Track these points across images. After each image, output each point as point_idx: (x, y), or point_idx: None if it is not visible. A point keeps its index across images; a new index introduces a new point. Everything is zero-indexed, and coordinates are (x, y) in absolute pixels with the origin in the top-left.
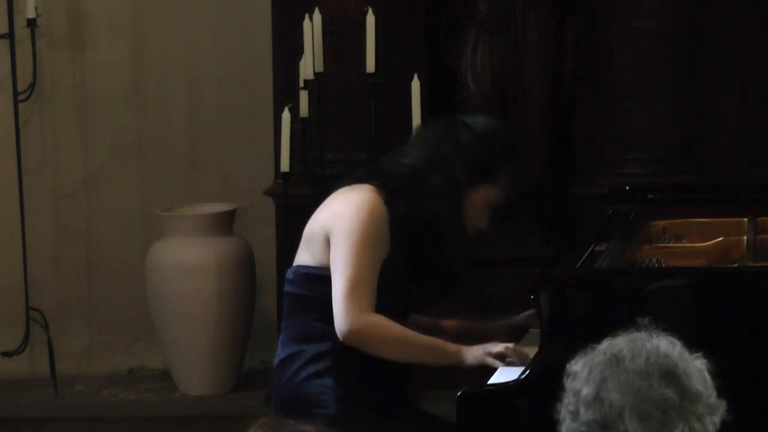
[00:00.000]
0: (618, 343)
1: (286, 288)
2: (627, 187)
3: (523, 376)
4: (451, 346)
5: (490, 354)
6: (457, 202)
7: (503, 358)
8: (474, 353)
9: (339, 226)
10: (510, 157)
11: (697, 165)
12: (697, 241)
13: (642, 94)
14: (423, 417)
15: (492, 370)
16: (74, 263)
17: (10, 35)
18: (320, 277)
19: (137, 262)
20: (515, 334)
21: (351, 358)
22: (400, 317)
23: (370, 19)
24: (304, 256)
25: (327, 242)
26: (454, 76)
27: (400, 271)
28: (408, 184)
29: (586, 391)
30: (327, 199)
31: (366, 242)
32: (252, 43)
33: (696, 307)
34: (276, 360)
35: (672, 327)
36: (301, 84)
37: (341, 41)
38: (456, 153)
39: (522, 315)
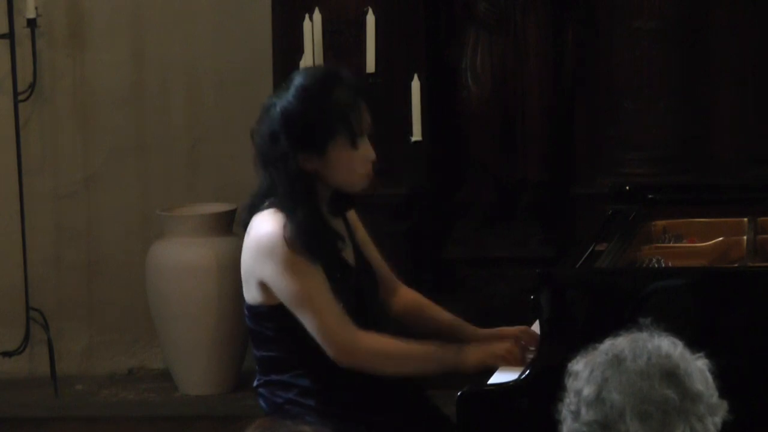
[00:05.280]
0: (619, 343)
1: (246, 322)
2: (627, 187)
3: (523, 376)
4: (451, 351)
5: (494, 356)
6: (311, 194)
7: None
8: (475, 357)
9: (269, 268)
10: (330, 105)
11: (697, 165)
12: (697, 241)
13: (642, 94)
14: (418, 418)
15: (492, 370)
16: (74, 263)
17: (10, 35)
18: (264, 314)
19: (137, 262)
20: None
21: (326, 378)
22: (364, 310)
23: (370, 19)
24: (247, 296)
25: (260, 284)
26: (454, 76)
27: (338, 269)
28: (271, 195)
29: (588, 391)
30: (245, 239)
31: (302, 266)
32: (252, 43)
33: (696, 307)
34: (255, 383)
35: (672, 327)
36: None
37: (341, 41)
38: (282, 146)
39: (515, 328)
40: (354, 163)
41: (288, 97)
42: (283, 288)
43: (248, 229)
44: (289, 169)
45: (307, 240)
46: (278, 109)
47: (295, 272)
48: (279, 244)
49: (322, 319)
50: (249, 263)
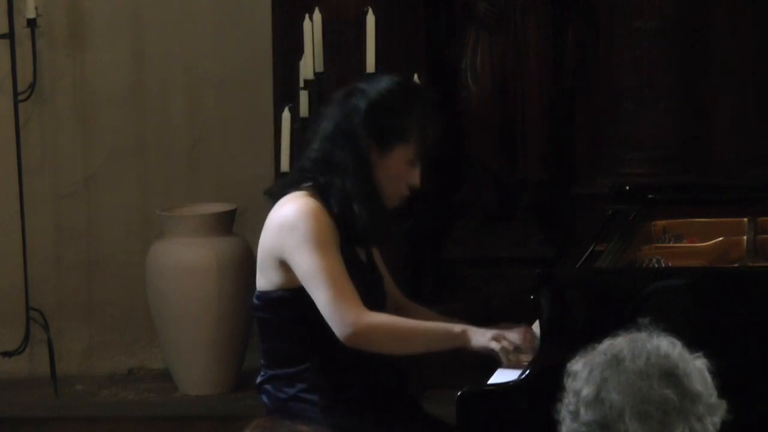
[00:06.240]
0: (618, 343)
1: (254, 313)
2: (627, 187)
3: (523, 376)
4: (457, 328)
5: (501, 338)
6: (368, 174)
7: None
8: (480, 337)
9: (289, 243)
10: (413, 114)
11: (697, 165)
12: (697, 241)
13: (642, 94)
14: (419, 420)
15: (492, 370)
16: (74, 263)
17: (10, 35)
18: (280, 299)
19: (137, 262)
20: None
21: (333, 373)
22: (374, 306)
23: (370, 19)
24: (261, 282)
25: (279, 264)
26: (454, 76)
27: (352, 262)
28: (320, 169)
29: (587, 391)
30: (267, 221)
31: (323, 244)
32: (252, 44)
33: (696, 307)
34: (258, 380)
35: (672, 327)
36: (301, 84)
37: (341, 41)
38: (357, 124)
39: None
40: (403, 178)
41: (383, 84)
42: (302, 260)
43: (273, 208)
44: (354, 144)
45: (351, 205)
46: (369, 91)
47: (315, 246)
48: (303, 220)
49: (335, 293)
50: (268, 242)
